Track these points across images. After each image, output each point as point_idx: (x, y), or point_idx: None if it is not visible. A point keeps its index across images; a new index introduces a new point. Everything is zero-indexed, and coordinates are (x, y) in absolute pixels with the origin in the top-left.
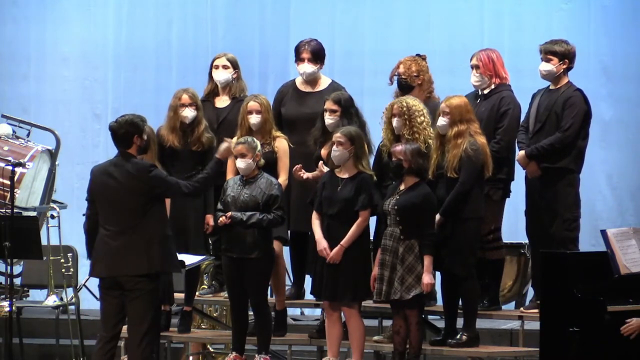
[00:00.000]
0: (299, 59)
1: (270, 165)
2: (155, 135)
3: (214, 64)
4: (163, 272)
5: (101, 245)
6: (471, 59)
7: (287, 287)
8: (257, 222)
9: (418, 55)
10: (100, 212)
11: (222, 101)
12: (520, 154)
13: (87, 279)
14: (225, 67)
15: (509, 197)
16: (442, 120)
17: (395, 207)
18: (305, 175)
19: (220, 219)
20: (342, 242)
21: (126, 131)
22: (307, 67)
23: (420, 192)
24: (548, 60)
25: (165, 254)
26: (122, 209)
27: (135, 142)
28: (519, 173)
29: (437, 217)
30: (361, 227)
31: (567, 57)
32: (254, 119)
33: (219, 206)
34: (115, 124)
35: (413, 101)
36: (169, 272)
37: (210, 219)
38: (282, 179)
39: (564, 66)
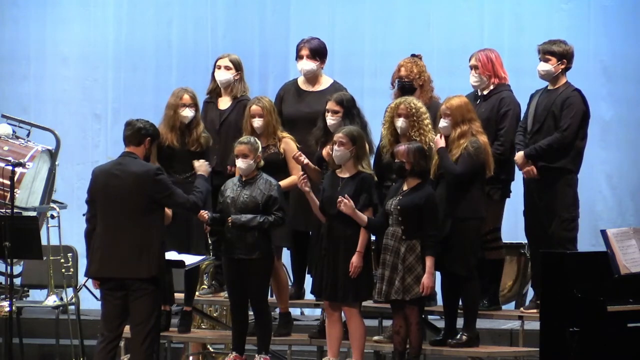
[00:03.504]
0: (298, 56)
1: (276, 166)
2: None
3: (217, 64)
4: (156, 278)
5: (98, 245)
6: (470, 59)
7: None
8: (258, 225)
9: (414, 55)
10: (100, 212)
11: (224, 102)
12: (518, 154)
13: (87, 279)
14: (227, 67)
15: (509, 197)
16: (443, 122)
17: (398, 207)
18: (306, 160)
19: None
20: (358, 249)
21: (143, 129)
22: (306, 64)
23: (424, 193)
24: (546, 60)
25: (160, 260)
26: (122, 209)
27: (145, 145)
28: (519, 173)
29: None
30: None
31: (565, 57)
32: (257, 122)
33: (218, 207)
34: (136, 121)
35: (418, 102)
36: (160, 278)
37: (204, 215)
38: (296, 177)
39: (562, 66)
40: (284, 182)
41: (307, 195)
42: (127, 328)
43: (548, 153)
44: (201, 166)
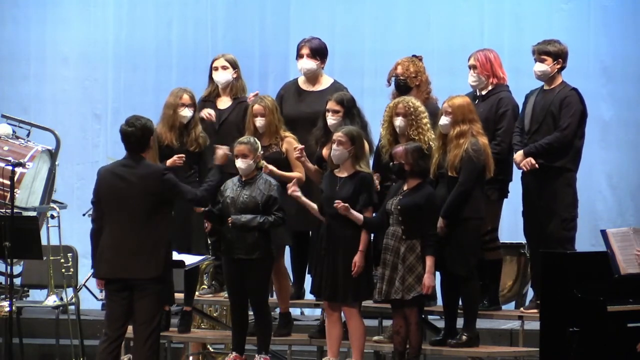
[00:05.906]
0: (298, 55)
1: (278, 166)
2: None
3: (213, 65)
4: (162, 277)
5: (106, 246)
6: (469, 59)
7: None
8: (258, 226)
9: (415, 56)
10: (107, 213)
11: (224, 102)
12: (517, 153)
13: (87, 279)
14: (224, 67)
15: (506, 197)
16: (444, 120)
17: (399, 207)
18: (304, 157)
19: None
20: (360, 248)
21: (144, 135)
22: (306, 63)
23: (424, 193)
24: (542, 61)
25: (167, 260)
26: (130, 210)
27: (150, 145)
28: (517, 173)
29: (440, 220)
30: None
31: (560, 56)
32: (259, 122)
33: (218, 206)
34: (133, 129)
35: (416, 101)
36: (166, 278)
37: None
38: (299, 173)
39: (558, 66)
40: (284, 173)
41: (299, 200)
42: (129, 328)
43: (548, 151)
44: (220, 157)
